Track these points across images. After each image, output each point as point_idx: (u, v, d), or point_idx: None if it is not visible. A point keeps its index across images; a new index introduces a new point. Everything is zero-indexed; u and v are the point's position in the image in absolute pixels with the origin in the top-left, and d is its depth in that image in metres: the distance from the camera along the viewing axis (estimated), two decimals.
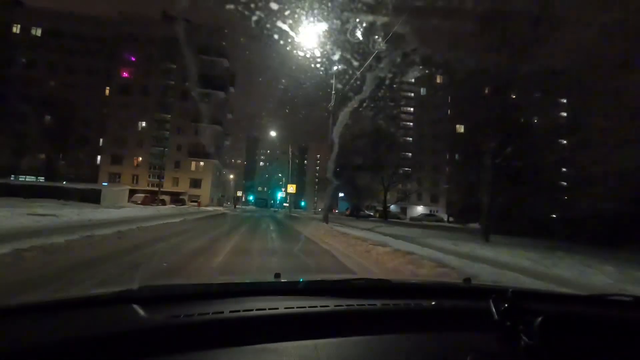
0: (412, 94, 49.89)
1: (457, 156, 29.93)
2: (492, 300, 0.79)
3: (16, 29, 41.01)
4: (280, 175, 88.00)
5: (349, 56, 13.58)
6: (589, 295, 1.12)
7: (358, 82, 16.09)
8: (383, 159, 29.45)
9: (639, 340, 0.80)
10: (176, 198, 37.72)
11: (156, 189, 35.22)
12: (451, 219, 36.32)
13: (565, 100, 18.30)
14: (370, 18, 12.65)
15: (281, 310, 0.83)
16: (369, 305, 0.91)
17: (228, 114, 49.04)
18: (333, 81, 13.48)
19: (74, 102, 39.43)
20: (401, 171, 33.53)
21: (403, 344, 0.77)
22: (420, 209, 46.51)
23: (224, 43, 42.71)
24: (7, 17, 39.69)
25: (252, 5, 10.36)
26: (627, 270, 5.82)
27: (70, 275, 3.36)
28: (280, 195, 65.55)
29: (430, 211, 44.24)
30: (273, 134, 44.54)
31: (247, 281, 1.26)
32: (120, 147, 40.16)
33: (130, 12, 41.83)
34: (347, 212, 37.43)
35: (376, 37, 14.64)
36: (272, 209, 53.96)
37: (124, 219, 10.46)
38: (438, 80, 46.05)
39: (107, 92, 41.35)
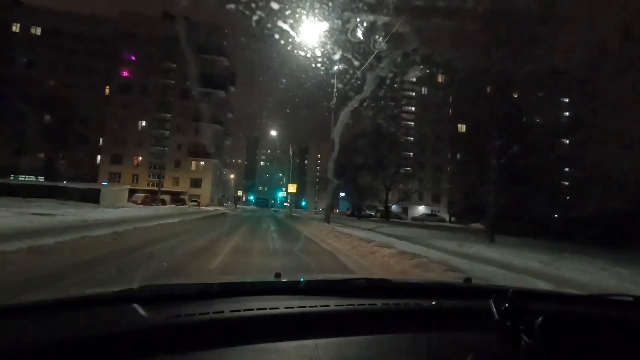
0: (413, 93, 49.64)
1: (458, 156, 29.75)
2: (492, 300, 0.78)
3: (16, 28, 40.83)
4: (280, 175, 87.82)
5: (349, 56, 13.51)
6: (589, 295, 1.12)
7: (359, 82, 15.99)
8: (384, 159, 29.23)
9: (639, 340, 0.78)
10: (176, 198, 37.53)
11: (156, 188, 35.03)
12: (453, 219, 36.07)
13: (567, 100, 18.09)
14: (370, 18, 12.55)
15: (282, 310, 0.82)
16: (369, 305, 0.91)
17: (228, 114, 48.83)
18: (335, 78, 13.24)
19: (74, 102, 39.26)
20: (402, 171, 33.28)
21: (403, 344, 0.76)
22: (421, 209, 46.25)
23: (224, 43, 42.48)
24: (7, 16, 39.55)
25: (253, 5, 10.24)
26: None
27: (55, 281, 3.14)
28: (280, 195, 65.34)
29: (432, 211, 43.98)
30: (274, 133, 44.39)
31: (248, 281, 1.25)
32: (120, 147, 39.97)
33: (130, 11, 41.65)
34: (348, 212, 37.21)
35: (377, 36, 14.53)
36: (272, 208, 53.78)
37: (122, 219, 10.25)
38: (440, 80, 45.79)
39: (107, 91, 41.15)
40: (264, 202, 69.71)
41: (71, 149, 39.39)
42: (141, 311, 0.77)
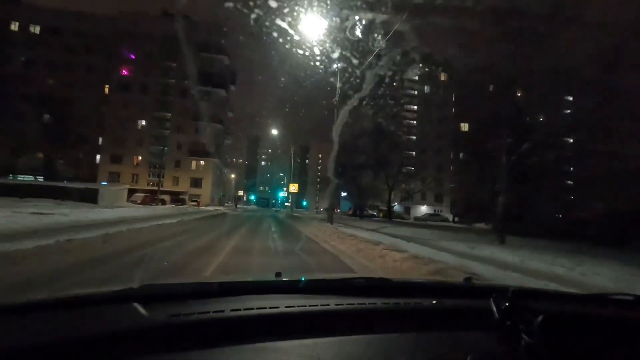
0: (416, 92, 49.16)
1: (461, 155, 29.36)
2: (492, 299, 0.78)
3: (14, 26, 40.50)
4: (281, 174, 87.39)
5: (351, 54, 13.23)
6: (590, 294, 1.14)
7: (360, 80, 15.66)
8: (387, 158, 28.82)
9: (639, 339, 0.78)
10: (176, 198, 37.18)
11: (156, 188, 34.67)
12: (456, 219, 35.65)
13: (571, 98, 17.70)
14: (372, 15, 12.31)
15: (282, 309, 0.82)
16: (369, 304, 0.91)
17: (229, 113, 48.41)
18: (337, 73, 12.84)
19: (73, 101, 38.85)
20: (405, 170, 32.87)
21: (404, 343, 0.76)
22: (424, 209, 45.81)
23: (222, 41, 42.02)
24: (6, 14, 39.20)
25: (251, 3, 10.02)
26: None
27: (19, 294, 2.71)
28: (281, 194, 64.92)
29: (435, 211, 43.55)
30: (274, 132, 43.91)
31: (248, 280, 1.23)
32: (120, 146, 39.61)
33: (130, 10, 41.37)
34: (350, 212, 36.79)
35: (376, 35, 14.28)
36: (273, 208, 53.44)
37: (117, 220, 9.87)
38: (442, 78, 45.32)
39: (106, 90, 40.78)
40: (265, 201, 69.33)
41: (70, 149, 38.98)
42: (141, 310, 0.77)
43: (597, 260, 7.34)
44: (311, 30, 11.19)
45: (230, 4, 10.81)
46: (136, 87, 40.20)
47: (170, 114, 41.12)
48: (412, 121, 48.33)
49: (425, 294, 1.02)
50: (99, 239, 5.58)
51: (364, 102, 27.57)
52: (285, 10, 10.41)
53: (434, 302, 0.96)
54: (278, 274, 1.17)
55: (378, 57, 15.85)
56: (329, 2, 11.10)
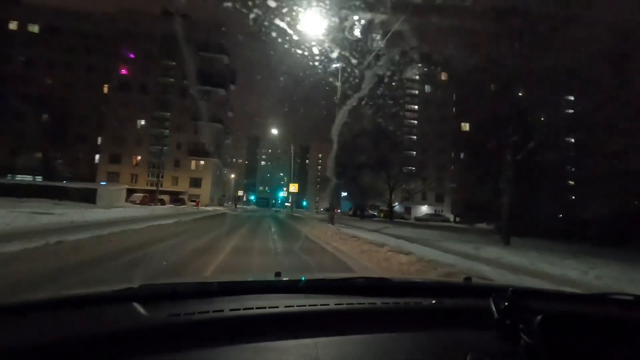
0: (417, 92, 48.92)
1: (462, 155, 29.12)
2: (492, 299, 0.78)
3: (13, 25, 40.26)
4: (281, 174, 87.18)
5: (350, 54, 13.10)
6: (590, 294, 1.13)
7: (360, 80, 15.49)
8: (388, 158, 28.58)
9: (639, 338, 0.78)
10: (175, 198, 36.93)
11: (155, 188, 34.44)
12: (457, 219, 35.43)
13: (572, 97, 17.49)
14: (372, 15, 12.20)
15: (281, 309, 0.82)
16: (369, 303, 0.91)
17: (229, 112, 48.17)
18: (339, 71, 12.58)
19: (72, 100, 38.66)
20: (405, 170, 32.64)
21: (403, 343, 0.76)
22: (424, 209, 45.58)
23: (222, 40, 41.75)
24: (5, 14, 38.98)
25: (250, 3, 9.92)
26: None
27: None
28: (281, 194, 64.77)
29: (435, 211, 43.32)
30: (274, 131, 43.70)
31: (248, 280, 1.22)
32: (119, 146, 39.35)
33: (129, 9, 41.01)
34: (350, 212, 36.53)
35: (375, 35, 14.15)
36: (273, 208, 53.24)
37: (113, 221, 9.63)
38: (442, 78, 45.05)
39: (105, 89, 40.53)
40: (265, 201, 69.14)
41: (69, 148, 38.78)
42: (141, 310, 0.77)
43: (606, 262, 7.10)
44: (311, 30, 11.16)
45: (230, 4, 10.85)
46: (136, 87, 39.96)
47: (169, 114, 40.88)
48: (412, 121, 48.11)
49: (425, 294, 1.02)
50: (91, 241, 5.35)
51: (364, 102, 27.38)
52: (286, 10, 10.36)
53: (434, 301, 0.97)
54: (278, 274, 1.17)
55: (378, 57, 15.73)
56: (328, 1, 11.01)
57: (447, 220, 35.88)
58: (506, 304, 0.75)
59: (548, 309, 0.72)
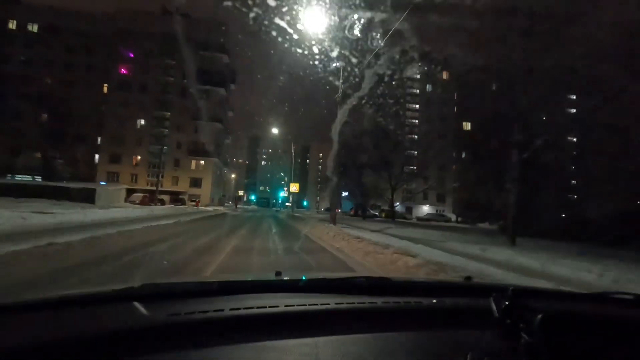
0: (418, 91, 48.64)
1: (463, 154, 28.89)
2: (492, 298, 0.78)
3: (12, 25, 40.07)
4: (282, 174, 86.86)
5: (350, 52, 12.99)
6: (590, 293, 1.14)
7: (361, 79, 15.32)
8: (389, 157, 28.34)
9: (639, 338, 0.78)
10: (175, 198, 36.73)
11: (155, 188, 34.22)
12: (459, 219, 35.21)
13: (574, 97, 17.26)
14: (373, 14, 12.04)
15: (282, 308, 0.82)
16: (369, 303, 0.91)
17: (229, 112, 47.93)
18: (340, 68, 12.36)
19: (72, 100, 38.49)
20: (407, 170, 32.40)
21: (403, 342, 0.76)
22: (426, 209, 45.33)
23: (222, 40, 41.49)
24: (4, 13, 38.79)
25: (251, 2, 9.84)
26: None
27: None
28: (282, 194, 64.49)
29: (437, 211, 43.07)
30: (275, 131, 43.41)
31: (248, 279, 1.22)
32: (119, 146, 39.11)
33: (129, 8, 40.84)
34: (351, 212, 36.27)
35: (375, 34, 14.04)
36: (274, 208, 52.99)
37: (109, 221, 9.41)
38: (444, 77, 44.76)
39: (105, 89, 40.31)
40: (265, 201, 68.89)
41: (69, 148, 38.59)
42: (142, 309, 0.77)
43: (617, 263, 6.86)
44: (311, 28, 11.05)
45: (229, 3, 10.75)
46: (135, 86, 39.73)
47: (169, 113, 40.63)
48: (414, 120, 47.83)
49: (426, 293, 1.01)
50: (84, 243, 5.14)
51: (365, 102, 27.18)
52: (286, 9, 10.26)
53: (434, 301, 0.97)
54: (278, 273, 1.17)
55: (379, 56, 15.55)
56: (328, 0, 10.89)
57: (449, 220, 35.64)
58: (506, 303, 0.74)
59: (548, 308, 0.71)
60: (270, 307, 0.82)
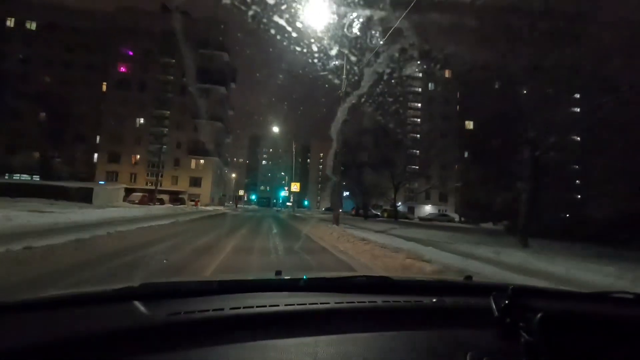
0: (420, 89, 48.15)
1: (466, 154, 28.47)
2: (492, 297, 0.78)
3: (10, 22, 39.70)
4: (282, 174, 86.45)
5: (351, 50, 12.69)
6: (590, 292, 1.11)
7: (364, 78, 14.97)
8: (392, 156, 27.92)
9: (639, 337, 0.77)
10: (175, 197, 36.36)
11: (154, 187, 33.85)
12: (462, 218, 34.78)
13: (577, 95, 16.83)
14: (374, 12, 11.77)
15: (282, 308, 0.82)
16: (369, 302, 0.92)
17: (229, 111, 47.49)
18: (344, 61, 11.95)
19: (70, 98, 38.05)
20: (409, 169, 31.99)
21: (403, 341, 0.76)
22: (428, 209, 44.88)
23: (220, 38, 41.03)
24: (1, 10, 38.40)
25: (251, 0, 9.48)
26: None
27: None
28: (282, 194, 64.10)
29: (439, 210, 42.63)
30: (276, 129, 42.94)
31: (248, 278, 1.21)
32: (118, 145, 38.70)
33: (128, 5, 40.32)
34: (353, 212, 35.81)
35: (374, 32, 13.76)
36: (274, 208, 52.62)
37: (104, 221, 9.00)
38: (446, 75, 44.26)
39: (104, 87, 39.91)
40: (266, 201, 68.55)
41: (67, 147, 38.23)
42: (141, 308, 0.77)
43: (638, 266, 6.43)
44: (311, 27, 10.90)
45: (228, 1, 10.63)
46: (134, 85, 39.32)
47: (169, 112, 40.20)
48: (416, 119, 47.34)
49: (426, 292, 1.01)
50: (70, 246, 4.72)
51: (367, 100, 26.80)
52: (287, 6, 10.01)
53: (434, 300, 0.96)
54: (278, 273, 1.18)
55: (380, 54, 15.25)
56: None
57: (452, 220, 35.19)
58: (506, 302, 0.74)
59: (548, 308, 0.71)
60: (270, 306, 0.81)
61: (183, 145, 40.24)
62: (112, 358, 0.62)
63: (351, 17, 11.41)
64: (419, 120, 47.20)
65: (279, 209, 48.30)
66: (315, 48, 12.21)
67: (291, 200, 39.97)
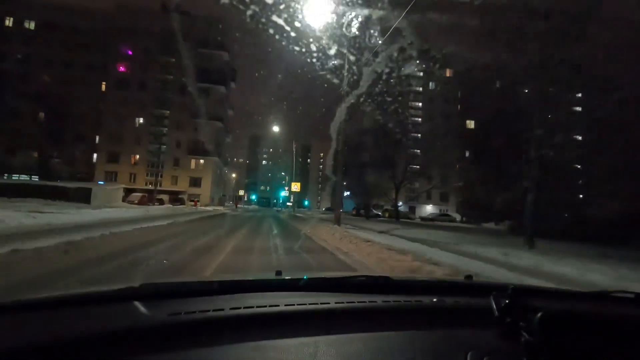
0: (420, 89, 47.88)
1: (467, 153, 28.22)
2: (493, 297, 0.78)
3: (9, 22, 39.47)
4: (283, 173, 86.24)
5: (349, 50, 12.47)
6: (591, 292, 1.11)
7: (364, 77, 14.77)
8: (393, 156, 27.68)
9: (639, 337, 0.77)
10: (175, 197, 36.14)
11: (154, 187, 33.63)
12: (464, 218, 34.54)
13: (584, 94, 16.60)
14: (378, 11, 11.57)
15: (282, 308, 0.82)
16: (369, 302, 0.92)
17: (229, 110, 47.25)
18: (345, 58, 11.72)
19: (69, 98, 37.83)
20: (409, 169, 31.75)
21: (404, 341, 0.76)
22: (429, 208, 44.64)
23: (220, 37, 40.77)
24: (0, 9, 38.18)
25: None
26: None
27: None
28: (283, 194, 63.86)
29: (440, 210, 42.40)
30: (276, 129, 42.73)
31: (248, 279, 1.20)
32: (117, 145, 38.46)
33: (127, 4, 40.09)
34: (354, 212, 35.57)
35: (373, 31, 13.66)
36: (274, 208, 52.38)
37: (100, 222, 8.78)
38: (447, 74, 44.00)
39: (103, 87, 39.68)
40: (266, 201, 68.32)
41: (66, 147, 38.01)
42: (142, 309, 0.77)
43: None
44: (311, 26, 10.76)
45: (227, 0, 10.35)
46: (134, 84, 39.08)
47: (168, 112, 39.95)
48: (417, 118, 47.07)
49: (426, 292, 1.01)
50: (60, 249, 4.48)
51: (367, 100, 26.61)
52: (286, 7, 9.86)
53: (435, 300, 0.96)
54: (278, 273, 1.17)
55: (380, 53, 15.09)
56: None
57: (454, 220, 34.95)
58: (507, 302, 0.74)
59: (548, 307, 0.71)
60: (270, 306, 0.81)
61: (183, 145, 40.01)
62: (112, 358, 0.62)
63: (350, 17, 11.26)
64: (419, 119, 46.95)
65: (279, 209, 48.06)
66: (314, 47, 12.09)
67: (291, 200, 39.74)
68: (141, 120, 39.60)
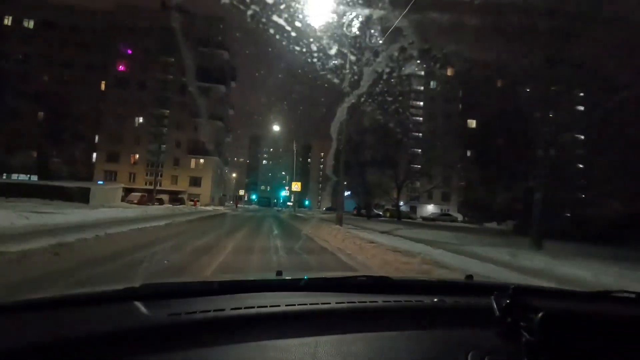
0: (422, 88, 47.63)
1: (469, 152, 27.99)
2: (493, 296, 0.78)
3: (8, 21, 39.27)
4: (283, 173, 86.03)
5: (349, 50, 12.25)
6: (591, 291, 1.11)
7: (365, 77, 14.56)
8: (394, 155, 27.45)
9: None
10: (175, 197, 35.95)
11: (153, 187, 33.43)
12: (466, 218, 34.28)
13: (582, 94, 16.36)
14: (377, 11, 11.37)
15: (282, 308, 0.83)
16: (370, 302, 0.92)
17: (229, 110, 47.03)
18: (347, 55, 11.51)
19: (69, 97, 37.61)
20: (411, 168, 31.53)
21: (404, 341, 0.76)
22: (430, 208, 44.39)
23: (220, 37, 40.54)
24: None
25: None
26: None
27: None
28: (283, 194, 63.64)
29: (442, 210, 42.17)
30: (276, 128, 42.51)
31: (249, 279, 1.21)
32: (117, 144, 38.24)
33: (127, 3, 39.88)
34: (354, 212, 35.35)
35: (373, 31, 13.49)
36: (275, 208, 52.17)
37: (95, 223, 8.56)
38: (449, 73, 43.74)
39: (102, 86, 39.47)
40: (266, 201, 68.08)
41: (66, 147, 37.80)
42: (142, 309, 0.77)
43: None
44: (311, 25, 10.63)
45: (227, 0, 10.29)
46: (133, 83, 38.86)
47: (168, 111, 39.70)
48: (418, 118, 46.82)
49: (427, 292, 1.02)
50: (50, 250, 4.26)
51: (368, 99, 26.41)
52: (287, 6, 9.69)
53: (435, 299, 0.96)
54: (279, 273, 1.17)
55: (380, 53, 14.89)
56: None
57: (456, 219, 34.71)
58: (507, 301, 0.73)
59: (549, 307, 0.70)
60: (271, 306, 0.81)
61: (183, 145, 39.79)
62: (112, 358, 0.62)
63: (351, 16, 11.09)
64: (420, 119, 46.69)
65: (280, 208, 47.85)
66: (314, 47, 11.93)
67: (292, 200, 39.57)
68: (141, 119, 39.38)
